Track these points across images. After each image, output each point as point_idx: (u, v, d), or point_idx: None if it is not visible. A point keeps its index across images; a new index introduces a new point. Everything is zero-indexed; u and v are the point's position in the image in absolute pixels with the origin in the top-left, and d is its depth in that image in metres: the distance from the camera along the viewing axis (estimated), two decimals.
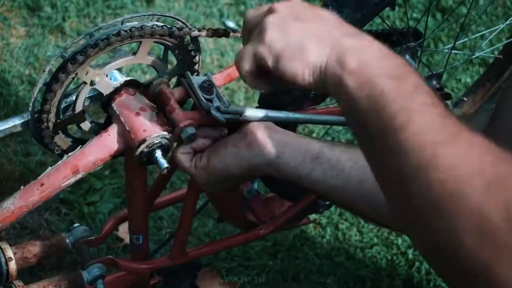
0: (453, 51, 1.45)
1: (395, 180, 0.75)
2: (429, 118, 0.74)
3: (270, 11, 0.87)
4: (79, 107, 1.09)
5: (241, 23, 2.54)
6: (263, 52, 0.85)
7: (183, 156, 1.08)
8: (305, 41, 0.83)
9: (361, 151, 0.82)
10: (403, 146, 0.73)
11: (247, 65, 0.87)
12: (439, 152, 0.71)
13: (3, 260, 1.15)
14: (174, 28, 1.08)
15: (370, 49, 0.81)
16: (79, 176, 1.09)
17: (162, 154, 1.06)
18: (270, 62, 0.85)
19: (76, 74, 1.04)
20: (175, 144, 1.09)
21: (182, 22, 1.11)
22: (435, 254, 0.71)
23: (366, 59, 0.79)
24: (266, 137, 1.05)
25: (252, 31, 0.89)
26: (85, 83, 1.07)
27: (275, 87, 0.91)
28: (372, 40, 0.82)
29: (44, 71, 1.02)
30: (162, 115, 1.09)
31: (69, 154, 1.09)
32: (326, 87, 0.83)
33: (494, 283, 0.63)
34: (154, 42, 1.08)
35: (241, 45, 2.22)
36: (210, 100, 1.08)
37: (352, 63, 0.79)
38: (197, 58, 1.14)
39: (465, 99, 1.74)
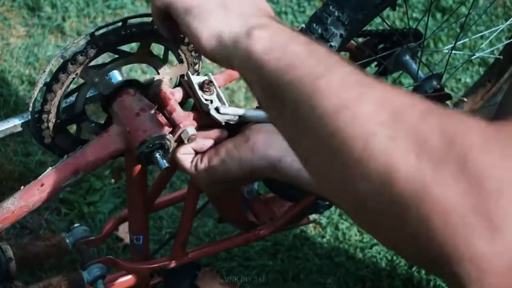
0: (453, 52, 1.45)
1: (314, 133, 0.69)
2: (342, 72, 0.69)
3: None
4: (79, 108, 1.09)
5: None
6: (175, 1, 0.84)
7: (184, 156, 1.08)
8: (215, 8, 0.82)
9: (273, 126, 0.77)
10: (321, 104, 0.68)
11: (158, 2, 0.87)
12: (364, 94, 0.66)
13: (3, 260, 1.15)
14: None
15: (282, 28, 0.77)
16: (79, 176, 1.08)
17: (162, 155, 1.06)
18: (177, 13, 0.84)
19: (77, 74, 1.04)
20: (175, 144, 1.09)
21: None
22: (365, 191, 0.65)
23: (276, 30, 0.76)
24: (268, 140, 1.05)
25: None
26: (85, 83, 1.07)
27: (175, 37, 0.92)
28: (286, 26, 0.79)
29: (44, 71, 1.02)
30: (162, 115, 1.09)
31: (69, 154, 1.09)
32: (229, 58, 0.79)
33: (427, 201, 0.60)
34: (155, 42, 1.08)
35: None
36: (210, 101, 1.08)
37: (259, 34, 0.76)
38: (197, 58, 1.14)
39: (465, 99, 1.74)
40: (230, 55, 0.79)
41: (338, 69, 0.70)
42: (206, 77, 1.10)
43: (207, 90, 1.08)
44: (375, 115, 0.64)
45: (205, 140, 1.08)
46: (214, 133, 1.09)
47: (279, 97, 0.72)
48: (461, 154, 0.60)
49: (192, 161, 1.08)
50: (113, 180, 1.18)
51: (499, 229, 0.58)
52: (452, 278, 0.60)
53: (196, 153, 1.09)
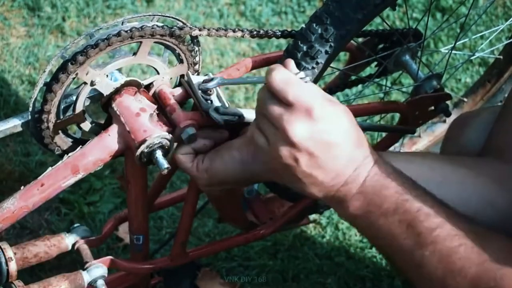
0: (453, 52, 1.45)
1: None
2: (439, 248, 0.86)
3: (291, 145, 0.93)
4: (79, 107, 1.09)
5: (241, 22, 2.52)
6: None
7: (184, 157, 1.08)
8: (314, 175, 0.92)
9: None
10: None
11: None
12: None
13: (3, 260, 1.14)
14: (175, 27, 1.08)
15: (372, 183, 0.91)
16: (79, 176, 1.08)
17: (162, 155, 1.06)
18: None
19: (77, 74, 1.04)
20: (175, 144, 1.09)
21: (183, 23, 1.11)
22: None
23: (369, 199, 0.91)
24: None
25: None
26: (85, 83, 1.07)
27: None
28: (372, 165, 0.93)
29: (44, 71, 1.02)
30: (163, 115, 1.09)
31: (69, 154, 1.09)
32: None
33: None
34: (155, 42, 1.08)
35: (241, 44, 2.18)
36: (210, 101, 1.08)
37: (357, 203, 0.92)
38: (197, 58, 1.14)
39: (465, 99, 1.74)
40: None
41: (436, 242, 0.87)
42: (206, 77, 1.10)
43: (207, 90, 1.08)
44: None
45: (205, 141, 1.08)
46: (214, 133, 1.09)
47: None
48: None
49: (192, 162, 1.08)
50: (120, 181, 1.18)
51: None
52: None
53: (196, 153, 1.08)
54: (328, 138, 0.91)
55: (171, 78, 1.13)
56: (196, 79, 1.10)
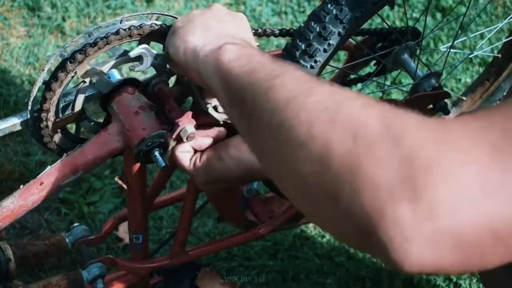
0: (452, 50, 1.45)
1: (267, 124, 0.74)
2: (297, 74, 0.76)
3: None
4: (78, 106, 1.09)
5: None
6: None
7: (183, 154, 1.08)
8: (196, 27, 0.94)
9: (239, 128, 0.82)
10: (275, 96, 0.74)
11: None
12: (314, 88, 0.72)
13: (3, 260, 1.15)
14: None
15: (253, 48, 0.87)
16: (79, 175, 1.09)
17: (161, 153, 1.06)
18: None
19: (75, 73, 1.04)
20: (174, 142, 1.09)
21: None
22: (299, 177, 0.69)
23: (245, 46, 0.86)
24: None
25: None
26: (84, 82, 1.07)
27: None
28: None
29: (43, 70, 1.02)
30: (161, 114, 1.09)
31: (68, 153, 1.09)
32: (199, 69, 0.89)
33: (359, 177, 0.63)
34: (153, 41, 1.08)
35: None
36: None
37: (229, 47, 0.86)
38: None
39: (464, 98, 1.74)
40: (200, 66, 0.89)
41: (295, 71, 0.76)
42: None
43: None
44: (321, 103, 0.69)
45: (204, 139, 1.08)
46: (213, 131, 1.09)
47: (240, 96, 0.78)
48: (397, 135, 0.63)
49: (190, 159, 1.08)
50: (119, 182, 1.18)
51: (424, 202, 0.60)
52: (378, 248, 0.61)
53: (195, 151, 1.09)
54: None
55: (169, 77, 1.13)
56: None
